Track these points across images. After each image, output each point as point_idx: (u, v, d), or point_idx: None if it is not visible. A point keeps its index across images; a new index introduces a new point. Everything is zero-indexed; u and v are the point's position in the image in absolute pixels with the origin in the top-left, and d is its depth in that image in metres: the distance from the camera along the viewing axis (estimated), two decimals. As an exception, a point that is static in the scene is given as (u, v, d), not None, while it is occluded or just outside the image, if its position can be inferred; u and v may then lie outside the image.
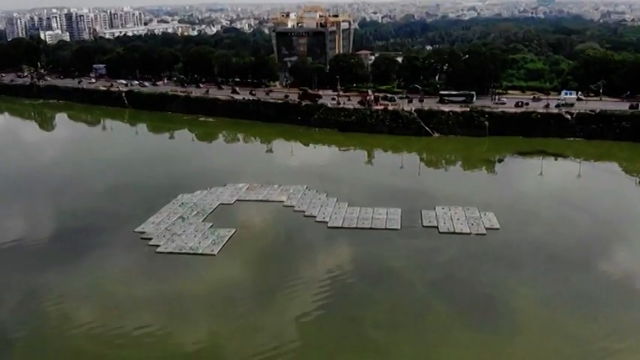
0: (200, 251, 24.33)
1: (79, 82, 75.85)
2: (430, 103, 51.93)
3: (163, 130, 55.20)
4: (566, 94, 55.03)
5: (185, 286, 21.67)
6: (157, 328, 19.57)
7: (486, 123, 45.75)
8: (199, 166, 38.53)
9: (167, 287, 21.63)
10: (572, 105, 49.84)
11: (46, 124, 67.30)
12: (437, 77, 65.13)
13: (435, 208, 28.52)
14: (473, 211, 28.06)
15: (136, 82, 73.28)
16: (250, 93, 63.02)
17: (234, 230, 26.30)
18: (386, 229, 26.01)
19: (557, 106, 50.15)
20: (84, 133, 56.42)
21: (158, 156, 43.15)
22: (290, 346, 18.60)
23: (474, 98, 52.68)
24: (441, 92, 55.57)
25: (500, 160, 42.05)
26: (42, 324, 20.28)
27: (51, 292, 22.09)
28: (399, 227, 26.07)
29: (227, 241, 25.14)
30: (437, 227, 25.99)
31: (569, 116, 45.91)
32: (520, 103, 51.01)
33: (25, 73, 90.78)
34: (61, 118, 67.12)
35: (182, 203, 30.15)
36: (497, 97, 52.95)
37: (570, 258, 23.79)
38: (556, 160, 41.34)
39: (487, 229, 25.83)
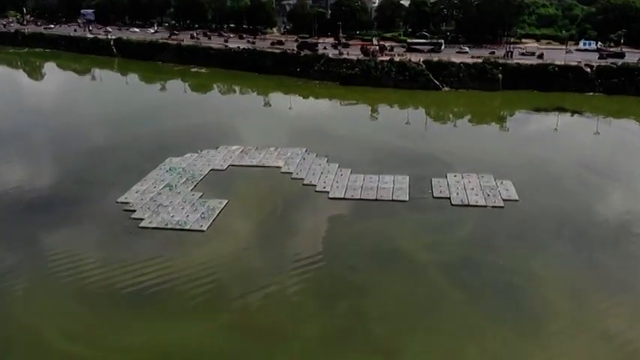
0: (188, 226, 21.61)
1: (75, 31, 72.56)
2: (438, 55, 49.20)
3: (154, 81, 52.04)
4: (584, 44, 51.86)
5: (166, 272, 18.61)
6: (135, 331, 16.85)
7: (500, 76, 42.49)
8: (190, 124, 35.56)
9: (145, 278, 18.27)
10: (532, 54, 47.23)
11: (34, 74, 64.00)
12: (445, 25, 61.82)
13: (446, 176, 25.85)
14: (488, 179, 25.50)
15: (136, 29, 70.08)
16: (248, 41, 59.85)
17: (225, 202, 23.56)
18: (393, 200, 23.45)
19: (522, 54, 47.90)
20: (70, 84, 52.96)
21: (147, 111, 39.96)
22: (285, 345, 15.87)
23: (442, 47, 50.43)
24: (409, 41, 53.33)
25: (511, 115, 39.70)
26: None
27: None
28: (407, 199, 23.38)
29: (218, 215, 22.55)
30: (449, 199, 23.26)
31: (588, 69, 42.72)
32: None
33: (11, 19, 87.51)
34: (48, 68, 63.67)
35: (170, 168, 27.45)
36: (511, 46, 49.97)
37: (599, 236, 21.15)
38: (572, 116, 38.69)
39: (504, 200, 23.28)
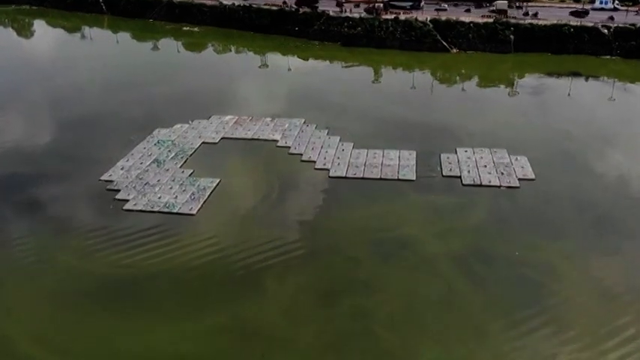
0: (176, 209, 19.69)
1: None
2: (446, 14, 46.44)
3: (145, 40, 49.14)
4: (601, 2, 48.96)
5: (148, 265, 16.69)
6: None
7: (512, 37, 39.80)
8: (182, 89, 33.22)
9: (123, 272, 16.44)
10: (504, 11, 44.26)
11: (23, 31, 61.05)
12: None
13: (456, 151, 23.92)
14: (502, 155, 23.47)
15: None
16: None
17: (217, 180, 21.57)
18: (398, 180, 21.49)
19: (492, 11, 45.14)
20: (59, 44, 49.81)
21: (137, 74, 37.29)
22: (278, 353, 14.28)
23: (422, 4, 47.15)
24: None
25: (523, 80, 37.29)
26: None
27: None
28: (414, 178, 21.37)
29: (209, 196, 20.73)
30: (460, 177, 21.28)
31: (605, 31, 40.12)
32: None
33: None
34: (37, 25, 60.59)
35: (158, 141, 25.23)
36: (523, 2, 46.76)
37: (626, 222, 18.98)
38: (587, 80, 36.39)
39: (520, 179, 21.39)
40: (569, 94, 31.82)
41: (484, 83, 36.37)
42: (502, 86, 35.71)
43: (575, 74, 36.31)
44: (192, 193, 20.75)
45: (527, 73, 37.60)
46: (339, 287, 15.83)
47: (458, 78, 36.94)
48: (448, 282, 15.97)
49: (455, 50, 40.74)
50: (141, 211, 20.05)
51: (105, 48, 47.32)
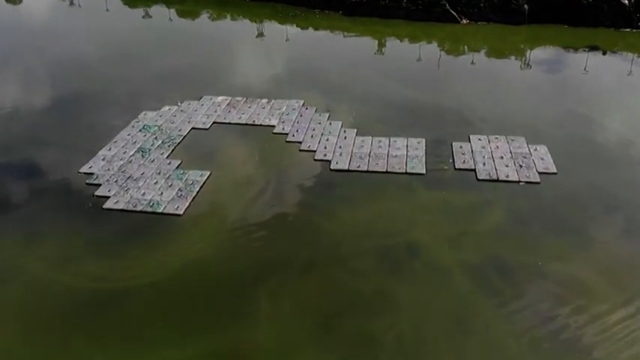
0: (161, 209, 17.41)
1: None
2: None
3: (137, 6, 46.19)
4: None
5: (130, 279, 14.60)
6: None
7: (526, 7, 36.89)
8: (171, 63, 30.66)
9: (102, 284, 14.49)
10: None
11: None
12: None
13: (469, 139, 21.68)
14: (520, 144, 21.11)
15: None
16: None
17: (207, 174, 19.35)
18: (407, 173, 19.38)
19: None
20: (46, 12, 47.22)
21: (125, 46, 34.59)
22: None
23: None
24: None
25: (538, 55, 34.85)
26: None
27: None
28: (423, 171, 19.19)
29: (198, 193, 18.44)
30: (474, 171, 19.06)
31: (626, 1, 37.30)
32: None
33: None
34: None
35: (144, 126, 22.65)
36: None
37: None
38: (604, 55, 34.06)
39: (540, 173, 19.24)
40: (585, 69, 29.57)
41: (495, 57, 34.00)
42: (514, 61, 33.28)
43: (593, 48, 34.04)
44: (180, 189, 18.53)
45: (542, 47, 35.07)
46: (342, 306, 13.71)
47: (469, 53, 34.53)
48: (464, 299, 14.09)
49: (465, 21, 37.65)
50: (122, 210, 18.25)
51: (93, 16, 44.43)
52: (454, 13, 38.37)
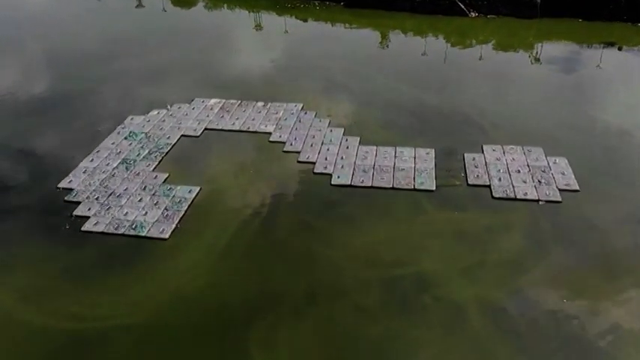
0: (145, 232, 15.70)
1: None
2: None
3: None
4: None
5: (107, 318, 12.95)
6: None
7: (538, 0, 35.75)
8: (163, 59, 29.05)
9: (74, 325, 12.86)
10: None
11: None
12: None
13: (482, 149, 19.92)
14: (537, 155, 19.33)
15: None
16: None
17: (197, 190, 17.60)
18: (415, 189, 17.66)
19: None
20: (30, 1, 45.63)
21: (115, 39, 32.61)
22: None
23: None
24: None
25: (551, 51, 32.92)
26: None
27: None
28: (433, 187, 17.53)
29: (186, 212, 16.54)
30: (489, 187, 17.40)
31: (645, -9, 35.64)
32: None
33: None
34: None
35: (130, 133, 20.74)
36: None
37: None
38: (620, 50, 32.19)
39: (561, 190, 17.49)
40: (599, 66, 27.86)
41: (505, 54, 32.19)
42: (526, 58, 31.56)
43: (609, 44, 32.21)
44: (166, 208, 16.94)
45: (555, 43, 33.32)
46: (344, 351, 12.32)
47: (478, 49, 32.68)
48: (480, 345, 12.72)
49: (473, 14, 35.63)
50: (102, 233, 16.77)
51: (83, 6, 42.61)
52: (462, 6, 36.22)
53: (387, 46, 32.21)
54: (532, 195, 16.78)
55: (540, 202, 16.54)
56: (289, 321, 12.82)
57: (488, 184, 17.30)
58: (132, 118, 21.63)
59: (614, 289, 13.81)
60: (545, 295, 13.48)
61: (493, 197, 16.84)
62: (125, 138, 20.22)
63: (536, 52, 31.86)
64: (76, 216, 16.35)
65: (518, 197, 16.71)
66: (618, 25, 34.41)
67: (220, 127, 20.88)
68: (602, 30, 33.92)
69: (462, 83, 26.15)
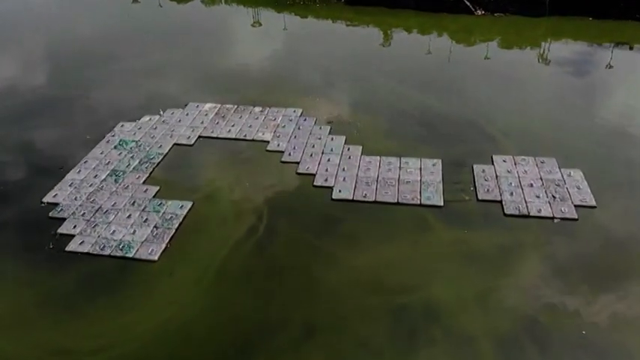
0: (132, 252, 14.52)
1: None
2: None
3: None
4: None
5: (90, 355, 11.75)
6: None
7: (547, -3, 34.65)
8: (156, 62, 27.68)
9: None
10: None
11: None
12: None
13: (492, 160, 18.57)
14: (550, 167, 17.93)
15: None
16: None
17: (189, 205, 16.41)
18: (421, 205, 16.56)
19: None
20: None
21: (108, 38, 31.22)
22: None
23: None
24: None
25: (560, 52, 31.68)
26: None
27: None
28: (441, 203, 16.32)
29: (177, 230, 15.27)
30: (500, 202, 16.23)
31: (658, -12, 34.42)
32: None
33: None
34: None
35: (120, 142, 19.52)
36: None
37: None
38: (631, 49, 30.98)
39: (577, 206, 16.22)
40: (610, 66, 26.73)
41: (513, 54, 31.01)
42: (534, 59, 30.43)
43: (620, 44, 31.07)
44: (156, 226, 15.69)
45: (564, 42, 32.20)
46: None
47: (485, 49, 31.47)
48: (496, 383, 11.81)
49: (480, 12, 34.38)
50: (87, 254, 15.74)
51: (75, 1, 41.53)
52: (468, 4, 34.77)
53: (390, 45, 31.12)
54: (546, 212, 15.72)
55: (555, 220, 15.50)
56: (288, 354, 11.83)
57: (499, 199, 16.23)
58: (122, 125, 20.56)
59: (636, 316, 12.84)
60: (561, 326, 12.49)
61: (505, 214, 15.80)
62: (115, 147, 19.15)
63: (545, 52, 30.71)
64: (61, 234, 15.36)
65: (531, 214, 15.67)
66: (630, 23, 33.23)
67: (215, 135, 19.80)
68: (613, 29, 32.72)
69: (469, 86, 25.00)
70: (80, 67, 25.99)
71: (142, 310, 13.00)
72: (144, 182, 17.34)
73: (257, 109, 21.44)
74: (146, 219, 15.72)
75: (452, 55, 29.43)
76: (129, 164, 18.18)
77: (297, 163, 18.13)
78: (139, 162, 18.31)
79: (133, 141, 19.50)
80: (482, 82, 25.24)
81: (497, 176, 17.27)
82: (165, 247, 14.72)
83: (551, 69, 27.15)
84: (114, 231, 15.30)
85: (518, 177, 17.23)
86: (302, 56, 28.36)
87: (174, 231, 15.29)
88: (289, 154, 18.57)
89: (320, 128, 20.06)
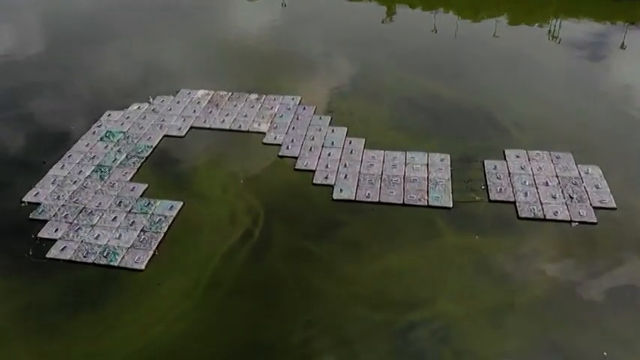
0: (117, 260, 13.22)
1: None
2: None
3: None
4: None
5: None
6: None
7: (558, -29, 32.77)
8: (147, 43, 25.89)
9: None
10: None
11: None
12: None
13: (504, 154, 16.97)
14: (566, 163, 16.41)
15: None
16: None
17: (180, 205, 15.01)
18: (428, 206, 15.13)
19: None
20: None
21: (91, 19, 29.87)
22: None
23: None
24: None
25: (571, 32, 30.01)
26: None
27: None
28: (450, 204, 15.00)
29: (166, 234, 13.93)
30: (514, 203, 14.83)
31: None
32: None
33: None
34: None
35: (106, 133, 18.10)
36: None
37: None
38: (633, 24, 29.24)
39: (596, 208, 14.67)
40: (623, 46, 25.26)
41: (522, 32, 29.31)
42: (544, 37, 28.80)
43: (634, 23, 29.41)
44: (143, 230, 14.36)
45: (577, 21, 30.63)
46: None
47: (492, 29, 29.84)
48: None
49: (487, -13, 33.43)
50: (70, 261, 14.69)
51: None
52: (475, -22, 34.28)
53: (393, 21, 29.52)
54: (563, 214, 14.56)
55: (573, 224, 14.40)
56: (285, 384, 10.86)
57: (512, 200, 15.09)
58: (109, 114, 19.24)
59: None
60: (582, 347, 11.49)
61: (519, 217, 14.68)
62: (101, 139, 17.90)
63: (556, 30, 29.19)
64: (41, 239, 14.28)
65: (547, 217, 14.56)
66: (644, 0, 31.72)
67: (208, 126, 18.53)
68: (625, 7, 31.03)
69: (476, 68, 23.45)
70: (63, 49, 24.47)
71: (127, 328, 11.96)
72: (131, 179, 16.17)
73: (253, 96, 20.11)
74: (133, 222, 14.58)
75: (458, 32, 27.89)
76: (115, 159, 16.96)
77: (296, 158, 16.93)
78: (127, 156, 17.08)
79: (121, 132, 18.25)
80: (490, 64, 23.69)
81: (509, 173, 16.09)
82: (153, 254, 13.66)
83: (563, 50, 25.64)
84: (98, 235, 14.16)
85: (533, 174, 16.03)
86: (300, 36, 26.78)
87: (162, 235, 14.19)
88: (287, 148, 17.34)
89: (320, 118, 18.76)
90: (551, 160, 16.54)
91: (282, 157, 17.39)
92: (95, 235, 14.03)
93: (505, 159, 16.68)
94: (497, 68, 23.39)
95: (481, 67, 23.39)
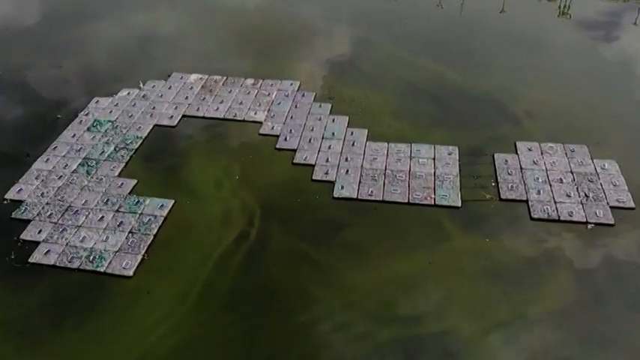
0: (104, 266, 11.79)
1: None
2: None
3: None
4: None
5: None
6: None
7: (571, -57, 30.90)
8: (138, 23, 24.79)
9: None
10: None
11: None
12: None
13: (515, 147, 17.23)
14: (581, 157, 15.42)
15: None
16: None
17: (171, 204, 13.71)
18: (435, 205, 14.35)
19: None
20: None
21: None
22: None
23: None
24: None
25: (582, 11, 28.35)
26: None
27: None
28: (459, 203, 14.12)
29: (156, 236, 12.64)
30: (527, 202, 13.75)
31: None
32: None
33: None
34: None
35: (94, 122, 17.06)
36: None
37: None
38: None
39: (613, 208, 13.35)
40: (636, 23, 23.90)
41: (530, 7, 27.92)
42: (554, 14, 27.37)
43: (652, -2, 27.81)
44: (132, 231, 14.04)
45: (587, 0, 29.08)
46: None
47: (497, 11, 28.23)
48: None
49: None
50: (53, 266, 13.83)
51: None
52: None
53: (398, 14, 28.09)
54: (579, 215, 13.62)
55: (589, 226, 13.50)
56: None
57: (525, 198, 14.17)
58: (97, 101, 18.14)
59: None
60: (602, 365, 10.72)
61: (532, 218, 13.78)
62: (88, 129, 16.87)
63: (568, 12, 27.76)
64: (24, 241, 13.40)
65: (561, 218, 13.67)
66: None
67: (201, 114, 17.46)
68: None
69: (484, 49, 22.10)
70: (49, 29, 23.14)
71: (113, 341, 11.18)
72: (119, 174, 15.23)
73: (249, 81, 18.98)
74: (120, 222, 13.65)
75: (464, 6, 26.41)
76: (103, 151, 15.88)
77: (294, 150, 15.96)
78: (115, 148, 16.08)
79: (109, 121, 17.17)
80: (498, 45, 22.42)
81: (521, 169, 15.14)
82: (142, 259, 12.82)
83: (575, 29, 24.37)
84: (83, 237, 13.28)
85: (546, 170, 15.03)
86: (298, 15, 25.49)
87: (152, 237, 13.32)
88: (285, 139, 16.33)
89: (320, 106, 17.63)
90: (566, 154, 15.49)
91: (279, 149, 16.45)
92: (81, 238, 13.10)
93: (516, 152, 15.71)
94: (504, 49, 21.72)
95: (487, 48, 21.55)
